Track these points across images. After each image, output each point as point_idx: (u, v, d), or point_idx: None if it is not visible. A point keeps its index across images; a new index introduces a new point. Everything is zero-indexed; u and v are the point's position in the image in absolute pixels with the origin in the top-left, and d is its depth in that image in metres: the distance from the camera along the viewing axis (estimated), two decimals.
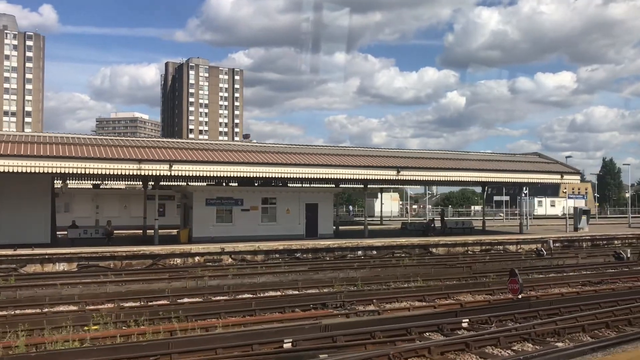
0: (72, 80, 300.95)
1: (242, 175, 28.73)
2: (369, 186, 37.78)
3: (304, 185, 34.83)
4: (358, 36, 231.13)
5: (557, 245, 37.84)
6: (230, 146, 32.10)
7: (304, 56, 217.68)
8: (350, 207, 77.44)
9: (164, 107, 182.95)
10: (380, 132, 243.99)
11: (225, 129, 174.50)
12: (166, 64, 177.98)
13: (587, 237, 39.50)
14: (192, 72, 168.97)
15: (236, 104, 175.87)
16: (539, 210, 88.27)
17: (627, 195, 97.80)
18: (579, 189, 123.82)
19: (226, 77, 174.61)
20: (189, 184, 33.43)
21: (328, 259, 29.54)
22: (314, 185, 34.60)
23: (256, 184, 32.92)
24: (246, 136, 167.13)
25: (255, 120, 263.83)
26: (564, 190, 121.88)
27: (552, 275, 23.58)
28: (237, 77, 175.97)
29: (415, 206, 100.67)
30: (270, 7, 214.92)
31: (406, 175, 32.00)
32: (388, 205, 77.63)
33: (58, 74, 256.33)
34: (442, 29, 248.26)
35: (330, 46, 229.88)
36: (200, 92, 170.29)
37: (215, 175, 28.95)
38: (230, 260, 27.52)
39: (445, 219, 45.76)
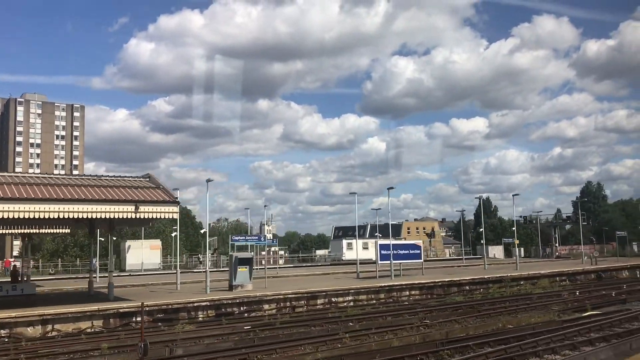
0: None
1: None
2: None
3: None
4: (280, 83, 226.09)
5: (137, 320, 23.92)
6: None
7: (226, 103, 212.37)
8: (95, 260, 61.15)
9: None
10: (306, 177, 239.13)
11: (62, 171, 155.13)
12: None
13: (206, 304, 25.71)
14: (21, 108, 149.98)
15: (75, 143, 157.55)
16: (349, 254, 75.51)
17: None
18: (424, 228, 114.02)
19: (64, 113, 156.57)
20: None
21: None
22: None
23: None
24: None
25: (178, 168, 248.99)
26: (408, 230, 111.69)
27: None
28: (76, 114, 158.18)
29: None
30: (190, 55, 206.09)
31: None
32: (146, 255, 62.69)
33: None
34: (361, 78, 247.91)
35: (253, 93, 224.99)
36: (32, 130, 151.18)
37: None
38: None
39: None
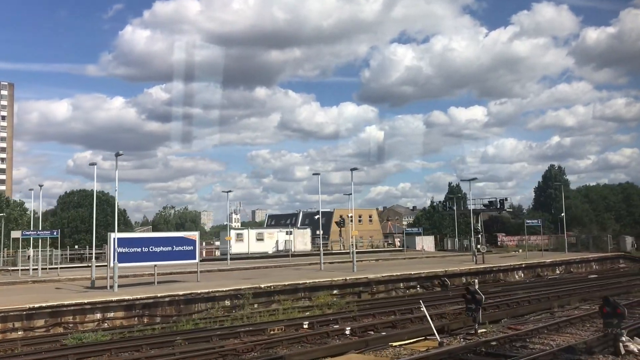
0: None
1: None
2: None
3: None
4: (278, 71, 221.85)
5: None
6: None
7: (223, 91, 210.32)
8: None
9: None
10: (303, 166, 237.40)
11: None
12: None
13: None
14: None
15: (3, 123, 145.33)
16: (238, 247, 63.65)
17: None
18: (359, 217, 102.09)
19: None
20: None
21: None
22: None
23: None
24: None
25: (176, 157, 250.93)
26: (336, 220, 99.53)
27: None
28: (3, 92, 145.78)
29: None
30: (186, 42, 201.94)
31: None
32: None
33: None
34: (359, 66, 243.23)
35: (251, 81, 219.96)
36: None
37: None
38: None
39: None
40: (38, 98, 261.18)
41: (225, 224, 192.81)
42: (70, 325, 20.07)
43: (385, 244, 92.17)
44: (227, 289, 23.92)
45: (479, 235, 62.33)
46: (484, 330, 14.82)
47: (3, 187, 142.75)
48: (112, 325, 20.63)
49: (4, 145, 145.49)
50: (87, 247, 60.06)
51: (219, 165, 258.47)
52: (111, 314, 21.15)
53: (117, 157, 25.67)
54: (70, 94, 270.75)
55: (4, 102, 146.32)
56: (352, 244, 37.06)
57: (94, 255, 28.91)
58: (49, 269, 39.73)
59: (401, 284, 30.30)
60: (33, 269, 37.14)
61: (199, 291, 23.19)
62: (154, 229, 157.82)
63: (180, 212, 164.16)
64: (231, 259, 55.46)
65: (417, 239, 74.40)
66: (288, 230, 64.59)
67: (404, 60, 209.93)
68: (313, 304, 22.44)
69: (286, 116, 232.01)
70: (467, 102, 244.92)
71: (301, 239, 69.13)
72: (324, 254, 64.27)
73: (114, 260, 25.17)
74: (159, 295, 22.14)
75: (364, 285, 28.45)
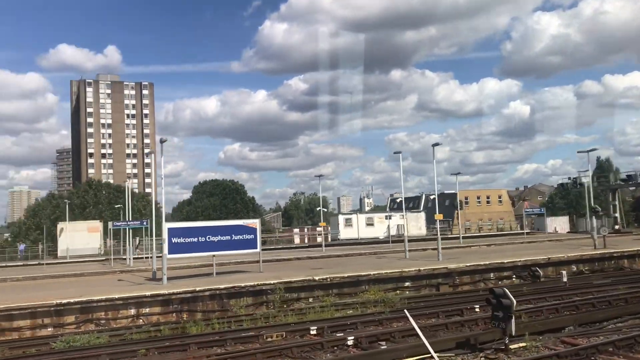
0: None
1: None
2: None
3: None
4: (413, 52, 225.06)
5: None
6: None
7: (359, 76, 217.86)
8: (22, 246, 53.99)
9: (73, 132, 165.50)
10: (443, 147, 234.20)
11: (135, 151, 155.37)
12: (70, 83, 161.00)
13: None
14: (90, 89, 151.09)
15: (145, 121, 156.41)
16: (346, 233, 61.79)
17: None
18: (487, 197, 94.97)
19: (133, 92, 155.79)
20: None
21: None
22: None
23: None
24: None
25: (316, 144, 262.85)
26: (466, 201, 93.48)
27: None
28: (145, 92, 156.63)
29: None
30: (322, 31, 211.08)
31: None
32: (82, 238, 53.88)
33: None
34: (499, 39, 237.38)
35: (386, 64, 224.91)
36: (102, 110, 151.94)
37: None
38: None
39: None
40: (190, 96, 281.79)
41: (358, 208, 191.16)
42: (102, 321, 19.27)
43: (518, 226, 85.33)
44: (276, 281, 21.92)
45: (615, 215, 54.82)
46: (522, 344, 11.24)
47: (149, 180, 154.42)
48: (148, 322, 19.56)
49: (147, 141, 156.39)
50: None
51: (357, 150, 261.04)
52: (146, 310, 20.07)
53: (161, 143, 24.64)
54: (218, 90, 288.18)
55: (146, 101, 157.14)
56: (437, 229, 33.26)
57: (154, 246, 28.31)
58: (146, 257, 40.63)
59: (491, 275, 26.36)
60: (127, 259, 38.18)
61: (243, 284, 21.42)
62: (284, 215, 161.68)
63: (310, 197, 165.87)
64: (338, 244, 53.85)
65: (548, 220, 67.53)
66: (388, 214, 61.07)
67: (548, 28, 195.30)
68: (359, 300, 19.66)
69: (423, 97, 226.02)
70: (624, 68, 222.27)
71: (415, 223, 65.51)
72: (436, 239, 60.59)
73: (171, 251, 24.28)
74: (197, 289, 20.69)
75: (443, 277, 25.01)
